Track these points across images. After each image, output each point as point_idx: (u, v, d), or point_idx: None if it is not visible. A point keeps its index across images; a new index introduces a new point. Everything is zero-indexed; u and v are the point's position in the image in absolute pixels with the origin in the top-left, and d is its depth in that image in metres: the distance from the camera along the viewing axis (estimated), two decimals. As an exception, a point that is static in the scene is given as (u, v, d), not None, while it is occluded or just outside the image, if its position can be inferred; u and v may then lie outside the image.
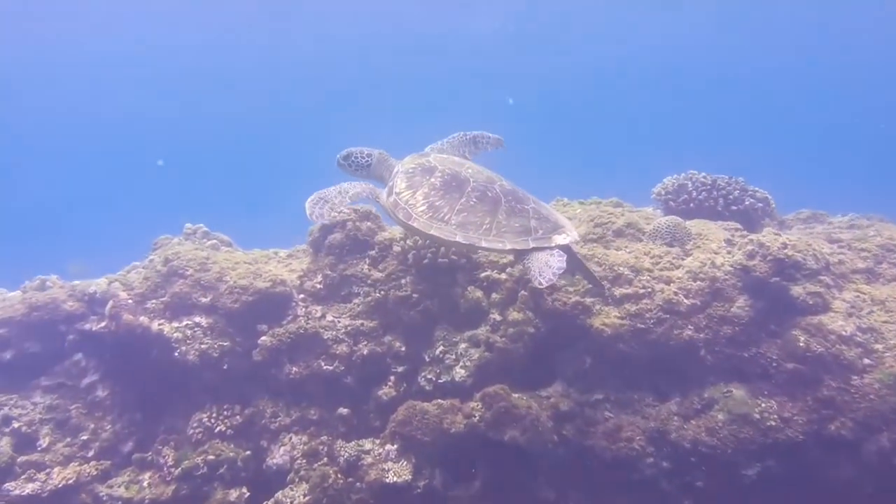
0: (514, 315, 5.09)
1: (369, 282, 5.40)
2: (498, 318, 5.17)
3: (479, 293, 5.26)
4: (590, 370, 4.95)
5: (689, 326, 4.76)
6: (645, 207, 6.78)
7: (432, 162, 5.14)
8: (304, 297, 5.46)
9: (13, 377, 5.02)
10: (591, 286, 5.06)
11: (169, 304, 5.20)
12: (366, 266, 5.47)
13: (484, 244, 4.61)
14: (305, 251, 5.95)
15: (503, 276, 5.32)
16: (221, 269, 5.34)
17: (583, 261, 5.10)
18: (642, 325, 4.81)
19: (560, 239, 4.64)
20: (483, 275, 5.36)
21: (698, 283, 4.89)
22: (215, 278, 5.27)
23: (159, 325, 5.08)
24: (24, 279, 5.48)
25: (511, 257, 5.16)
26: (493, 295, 5.27)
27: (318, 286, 5.49)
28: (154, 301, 5.24)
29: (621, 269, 5.09)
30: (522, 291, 5.15)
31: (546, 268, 4.44)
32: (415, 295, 5.26)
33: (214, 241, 5.91)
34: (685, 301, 4.81)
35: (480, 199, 4.79)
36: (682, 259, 5.15)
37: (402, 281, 5.32)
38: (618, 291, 5.02)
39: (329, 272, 5.49)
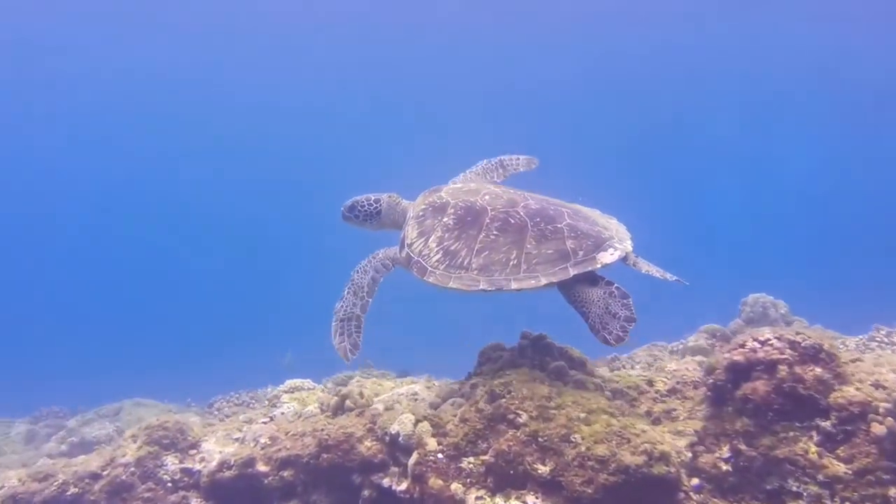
0: None
1: (819, 478, 3.42)
2: None
3: None
4: None
5: None
6: None
7: (444, 197, 4.90)
8: (697, 485, 3.70)
9: (296, 537, 4.23)
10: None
11: (492, 467, 3.92)
12: (812, 446, 3.51)
13: (514, 286, 4.22)
14: (702, 392, 4.23)
15: None
16: (569, 421, 3.88)
17: (652, 269, 4.53)
18: None
19: (607, 257, 4.24)
20: None
21: None
22: (560, 435, 3.83)
23: (477, 498, 3.80)
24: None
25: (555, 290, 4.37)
26: None
27: (724, 467, 3.69)
28: (472, 459, 4.00)
29: None
30: None
31: (610, 319, 4.00)
32: (918, 522, 3.12)
33: (560, 362, 4.48)
34: None
35: (502, 230, 4.47)
36: None
37: (893, 491, 3.23)
38: None
39: (743, 446, 3.66)
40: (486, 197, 4.76)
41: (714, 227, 41.45)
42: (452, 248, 4.53)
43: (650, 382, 4.66)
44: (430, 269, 4.53)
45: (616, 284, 4.21)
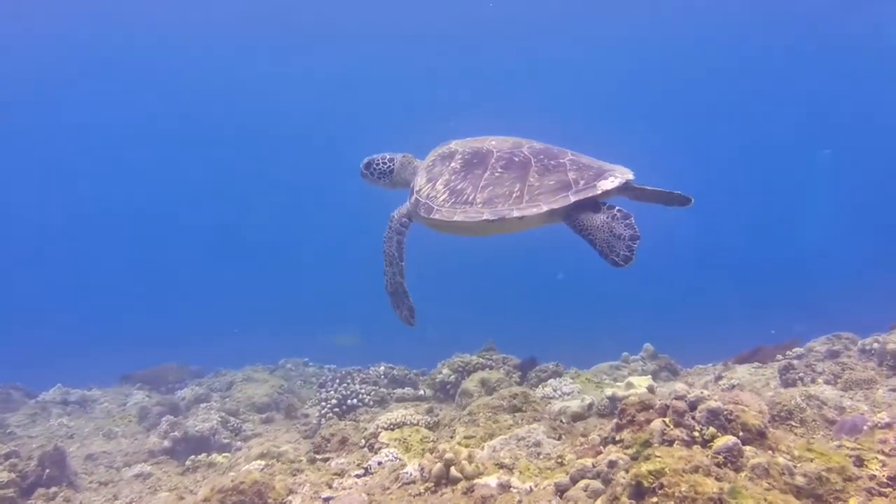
0: None
1: None
2: None
3: None
4: None
5: None
6: None
7: (452, 146, 5.29)
8: None
9: None
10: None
11: None
12: None
13: (515, 214, 4.47)
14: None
15: None
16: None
17: (653, 189, 4.85)
18: None
19: (607, 184, 4.45)
20: None
21: None
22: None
23: None
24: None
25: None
26: None
27: None
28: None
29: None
30: None
31: (615, 241, 4.18)
32: None
33: (731, 439, 3.53)
34: None
35: (506, 168, 4.74)
36: None
37: None
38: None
39: None
40: (493, 142, 5.09)
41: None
42: (458, 187, 4.81)
43: (860, 461, 3.63)
44: (436, 207, 4.84)
45: (618, 207, 4.36)
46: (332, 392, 9.23)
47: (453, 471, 3.95)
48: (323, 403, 9.02)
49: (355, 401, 8.94)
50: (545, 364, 8.97)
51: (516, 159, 4.76)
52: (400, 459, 4.66)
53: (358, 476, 4.50)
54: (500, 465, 4.22)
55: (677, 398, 3.84)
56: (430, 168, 5.19)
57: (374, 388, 9.72)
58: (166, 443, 8.00)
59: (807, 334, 8.58)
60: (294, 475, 4.66)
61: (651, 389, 6.84)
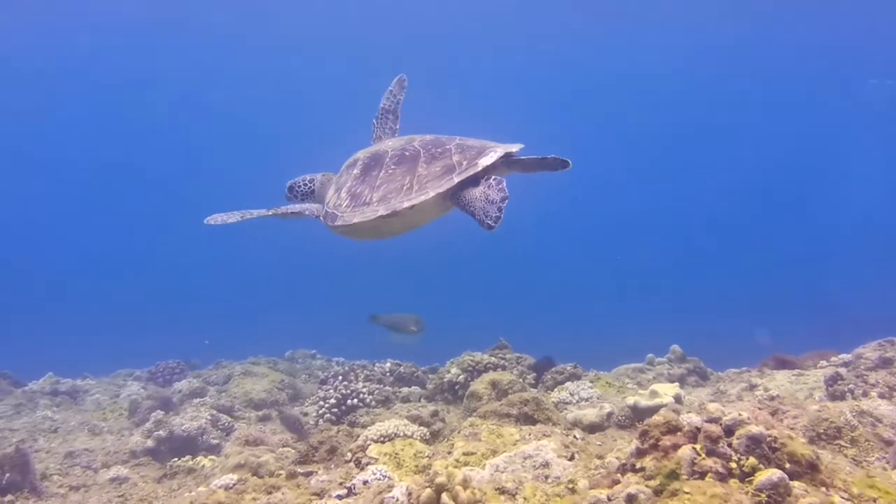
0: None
1: None
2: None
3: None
4: None
5: None
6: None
7: (357, 155, 5.57)
8: None
9: None
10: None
11: None
12: None
13: (406, 204, 4.71)
14: None
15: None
16: None
17: (532, 158, 5.00)
18: None
19: (487, 160, 4.74)
20: None
21: None
22: None
23: None
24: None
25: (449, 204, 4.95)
26: None
27: None
28: None
29: None
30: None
31: (489, 206, 4.43)
32: None
33: (776, 473, 3.03)
34: None
35: (398, 163, 5.01)
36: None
37: None
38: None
39: None
40: (390, 143, 5.38)
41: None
42: (357, 191, 5.06)
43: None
44: (339, 214, 5.05)
45: (494, 176, 4.65)
46: (331, 391, 8.82)
47: (445, 498, 3.48)
48: (321, 403, 8.61)
49: (356, 401, 8.51)
50: (562, 365, 8.50)
51: (407, 154, 5.03)
52: (389, 478, 4.22)
53: (339, 497, 4.05)
54: (502, 490, 3.76)
55: (710, 420, 3.33)
56: (338, 179, 5.50)
57: (378, 386, 9.30)
58: (149, 442, 7.62)
59: (852, 340, 8.03)
60: (269, 493, 4.22)
61: (678, 399, 6.34)
